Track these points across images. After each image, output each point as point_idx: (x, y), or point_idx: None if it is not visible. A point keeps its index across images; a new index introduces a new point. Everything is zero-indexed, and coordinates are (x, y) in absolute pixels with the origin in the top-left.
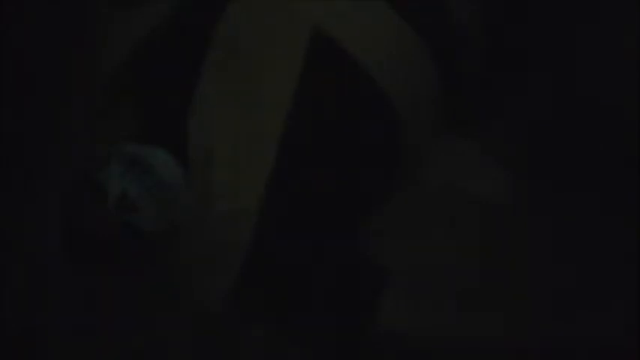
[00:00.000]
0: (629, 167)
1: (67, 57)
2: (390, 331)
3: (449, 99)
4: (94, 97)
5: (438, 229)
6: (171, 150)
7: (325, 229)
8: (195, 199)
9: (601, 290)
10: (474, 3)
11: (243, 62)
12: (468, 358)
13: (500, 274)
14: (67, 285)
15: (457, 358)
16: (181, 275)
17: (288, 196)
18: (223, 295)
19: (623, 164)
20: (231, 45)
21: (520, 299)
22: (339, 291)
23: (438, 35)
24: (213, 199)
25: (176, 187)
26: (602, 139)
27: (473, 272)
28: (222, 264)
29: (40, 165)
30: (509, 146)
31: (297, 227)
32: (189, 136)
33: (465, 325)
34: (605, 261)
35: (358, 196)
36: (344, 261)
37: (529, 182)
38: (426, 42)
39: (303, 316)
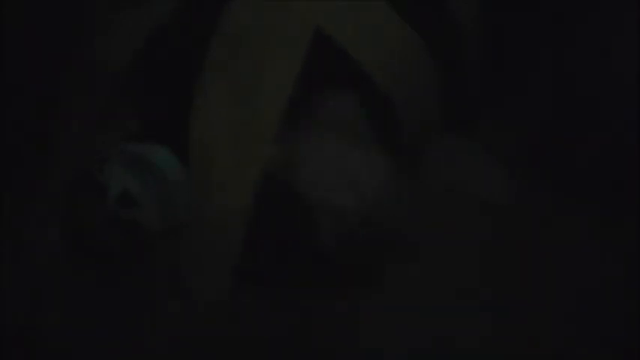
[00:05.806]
0: (629, 167)
1: (68, 57)
2: (389, 331)
3: (449, 99)
4: (94, 97)
5: (438, 229)
6: (171, 149)
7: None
8: (195, 197)
9: (602, 291)
10: (474, 3)
11: (243, 62)
12: (468, 358)
13: (500, 274)
14: (67, 285)
15: (457, 358)
16: (181, 275)
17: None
18: (223, 294)
19: (624, 164)
20: (231, 44)
21: (521, 299)
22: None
23: (438, 35)
24: (213, 198)
25: (177, 185)
26: (602, 139)
27: (473, 272)
28: (222, 263)
29: (40, 165)
30: (509, 146)
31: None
32: (189, 135)
33: (465, 326)
34: (607, 262)
35: None
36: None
37: (529, 182)
38: (426, 42)
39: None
